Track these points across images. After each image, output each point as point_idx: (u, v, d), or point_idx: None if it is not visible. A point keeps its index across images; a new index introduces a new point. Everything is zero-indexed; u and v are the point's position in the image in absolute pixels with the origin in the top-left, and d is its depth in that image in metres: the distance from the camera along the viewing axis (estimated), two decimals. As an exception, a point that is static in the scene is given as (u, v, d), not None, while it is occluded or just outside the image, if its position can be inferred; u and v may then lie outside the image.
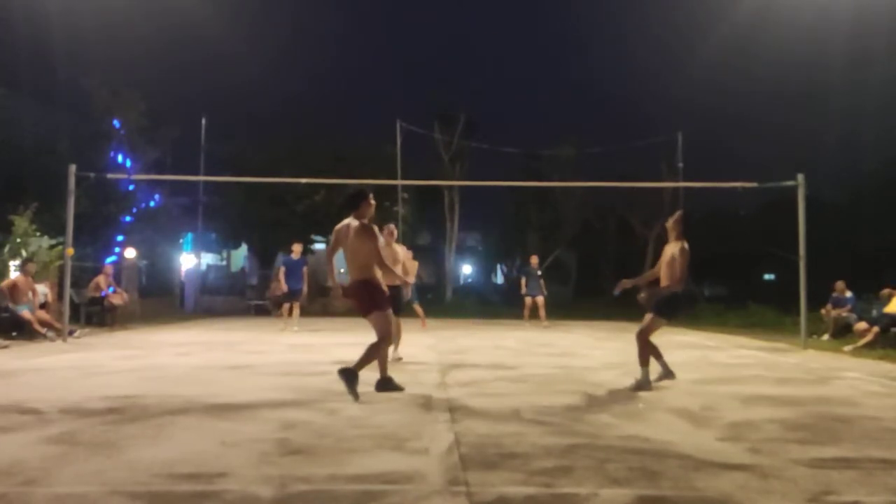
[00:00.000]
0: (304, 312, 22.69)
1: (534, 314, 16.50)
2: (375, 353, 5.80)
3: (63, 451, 3.84)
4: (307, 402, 5.42)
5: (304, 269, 14.44)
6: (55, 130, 17.55)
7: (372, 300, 5.74)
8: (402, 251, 9.47)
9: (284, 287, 14.32)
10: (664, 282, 6.50)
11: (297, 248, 14.77)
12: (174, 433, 4.33)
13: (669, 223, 6.81)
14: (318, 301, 24.72)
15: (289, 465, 3.59)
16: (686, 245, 6.53)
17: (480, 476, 3.43)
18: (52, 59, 19.62)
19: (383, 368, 6.00)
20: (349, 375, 5.55)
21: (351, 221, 5.86)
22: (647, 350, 6.42)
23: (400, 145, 25.26)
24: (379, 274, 5.81)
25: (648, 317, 6.44)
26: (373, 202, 5.98)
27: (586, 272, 34.06)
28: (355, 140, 26.40)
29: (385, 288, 5.91)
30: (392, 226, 9.28)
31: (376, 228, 5.87)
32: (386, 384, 5.94)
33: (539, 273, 16.31)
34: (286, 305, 14.70)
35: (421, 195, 29.17)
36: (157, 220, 19.92)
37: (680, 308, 6.78)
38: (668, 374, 6.50)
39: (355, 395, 5.48)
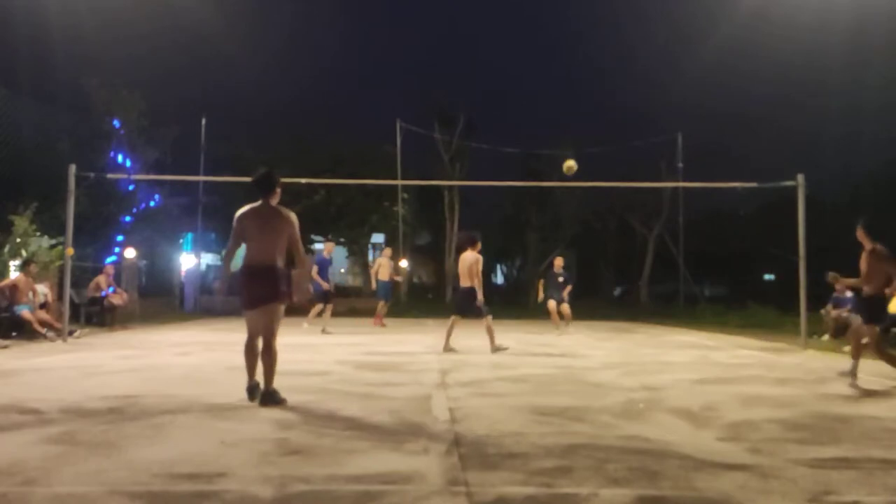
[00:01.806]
0: (302, 312, 22.77)
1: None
2: (274, 356, 5.33)
3: (63, 451, 3.84)
4: (307, 402, 5.42)
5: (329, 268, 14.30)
6: (55, 130, 17.55)
7: (280, 288, 5.32)
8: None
9: (325, 285, 13.97)
10: (865, 289, 6.90)
11: (329, 247, 14.52)
12: (174, 433, 4.33)
13: (858, 235, 7.07)
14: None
15: (288, 465, 3.59)
16: (878, 247, 6.81)
17: (480, 476, 3.42)
18: (52, 59, 19.65)
19: (255, 374, 5.45)
20: (268, 397, 5.26)
21: (262, 206, 5.49)
22: (860, 350, 6.87)
23: (400, 145, 25.28)
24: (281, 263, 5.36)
25: (861, 327, 6.98)
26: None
27: (586, 272, 34.08)
28: (355, 140, 26.43)
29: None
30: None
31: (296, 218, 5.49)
32: (272, 396, 5.31)
33: (560, 278, 14.50)
34: (319, 305, 14.28)
35: (421, 195, 29.17)
36: (157, 220, 19.92)
37: (882, 309, 7.14)
38: (854, 374, 6.78)
39: (283, 401, 5.29)
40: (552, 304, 14.41)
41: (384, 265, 15.55)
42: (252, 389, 5.40)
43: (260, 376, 5.36)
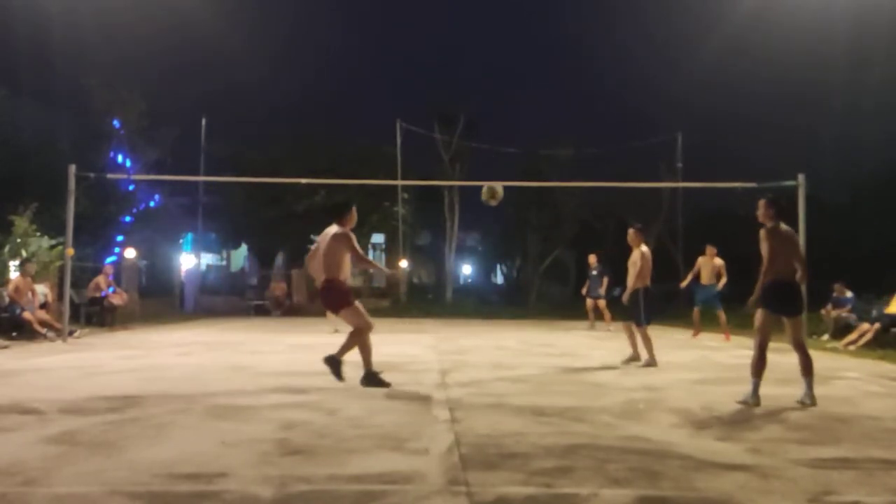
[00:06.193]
0: (304, 313, 22.79)
1: (598, 316, 15.33)
2: (364, 344, 6.36)
3: (63, 451, 3.84)
4: (307, 402, 5.42)
5: None
6: (55, 130, 17.57)
7: (333, 300, 6.41)
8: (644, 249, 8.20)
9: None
10: None
11: None
12: (174, 433, 4.33)
13: None
14: (318, 301, 24.75)
15: (289, 465, 3.59)
16: None
17: (480, 476, 3.42)
18: (52, 59, 19.65)
19: (363, 361, 6.39)
20: (332, 361, 6.27)
21: (331, 228, 6.45)
22: None
23: (400, 145, 25.27)
24: (346, 277, 6.38)
25: None
26: (355, 215, 6.61)
27: (586, 272, 34.03)
28: (355, 140, 26.41)
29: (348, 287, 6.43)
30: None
31: (353, 236, 6.37)
32: (370, 379, 6.26)
33: (594, 271, 15.12)
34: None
35: (421, 195, 29.15)
36: (157, 220, 19.94)
37: None
38: None
39: (341, 378, 6.20)
40: (589, 302, 15.08)
41: (706, 265, 12.84)
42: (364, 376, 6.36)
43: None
